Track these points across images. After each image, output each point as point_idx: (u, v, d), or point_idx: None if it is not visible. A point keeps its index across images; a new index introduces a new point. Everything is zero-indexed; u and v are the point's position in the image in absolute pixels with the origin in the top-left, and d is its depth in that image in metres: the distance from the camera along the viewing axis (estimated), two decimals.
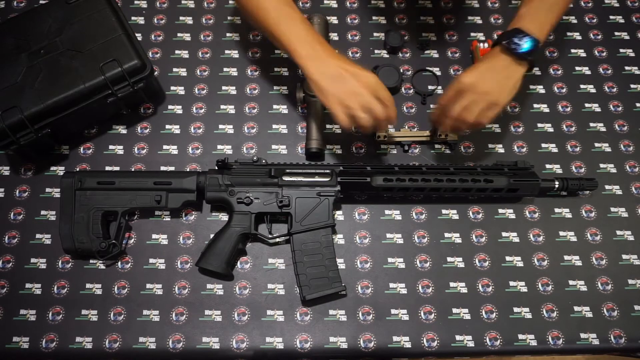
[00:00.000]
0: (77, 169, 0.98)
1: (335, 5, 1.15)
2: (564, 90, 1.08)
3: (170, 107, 1.05)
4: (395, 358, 0.90)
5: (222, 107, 1.05)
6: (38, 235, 0.94)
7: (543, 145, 1.03)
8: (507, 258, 0.94)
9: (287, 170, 0.92)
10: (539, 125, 1.05)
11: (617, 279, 0.93)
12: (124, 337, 0.87)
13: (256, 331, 0.88)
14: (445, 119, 0.89)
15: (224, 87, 1.07)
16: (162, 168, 0.99)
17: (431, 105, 1.06)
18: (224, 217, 0.96)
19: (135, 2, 1.14)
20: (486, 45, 1.06)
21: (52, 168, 0.99)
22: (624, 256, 0.95)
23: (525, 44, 0.84)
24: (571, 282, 0.93)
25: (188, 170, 0.99)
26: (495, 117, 0.87)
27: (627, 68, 1.10)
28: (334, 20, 1.13)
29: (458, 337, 0.88)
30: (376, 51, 1.10)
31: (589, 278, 0.93)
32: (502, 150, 1.02)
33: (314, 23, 1.05)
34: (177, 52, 1.09)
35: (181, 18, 1.13)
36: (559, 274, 0.93)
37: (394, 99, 0.85)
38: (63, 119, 0.91)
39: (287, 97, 1.06)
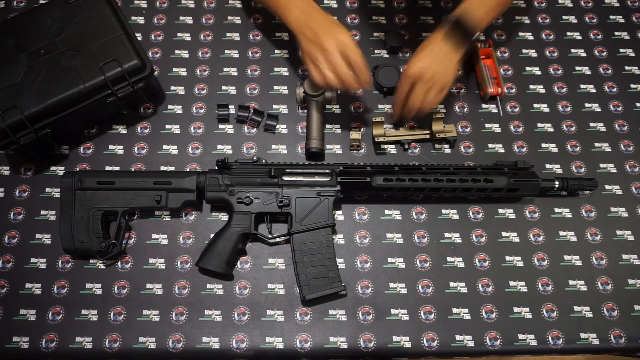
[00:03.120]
0: (77, 169, 0.98)
1: (335, 5, 1.15)
2: (564, 90, 1.08)
3: (170, 107, 1.05)
4: (395, 358, 0.90)
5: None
6: (38, 235, 0.94)
7: (543, 145, 1.03)
8: (507, 258, 0.94)
9: (287, 170, 0.92)
10: (539, 125, 1.05)
11: (617, 279, 0.93)
12: (124, 337, 0.87)
13: (256, 331, 0.88)
14: (406, 112, 0.94)
15: (224, 87, 1.07)
16: (162, 168, 0.99)
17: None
18: (224, 217, 0.96)
19: (135, 2, 1.14)
20: (486, 45, 1.06)
21: (52, 168, 0.99)
22: (624, 256, 0.95)
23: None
24: (571, 282, 0.93)
25: (188, 170, 0.99)
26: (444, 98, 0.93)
27: (627, 68, 1.10)
28: None
29: (458, 337, 0.88)
30: (376, 51, 1.10)
31: (589, 278, 0.93)
32: (502, 150, 1.02)
33: None
34: (177, 52, 1.09)
35: (181, 18, 1.13)
36: (559, 274, 0.93)
37: (366, 62, 0.88)
38: (63, 119, 0.91)
39: (287, 97, 1.06)
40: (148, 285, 0.91)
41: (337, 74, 0.87)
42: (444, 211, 0.97)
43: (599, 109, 1.06)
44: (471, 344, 0.88)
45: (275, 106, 1.05)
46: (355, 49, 0.87)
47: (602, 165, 1.01)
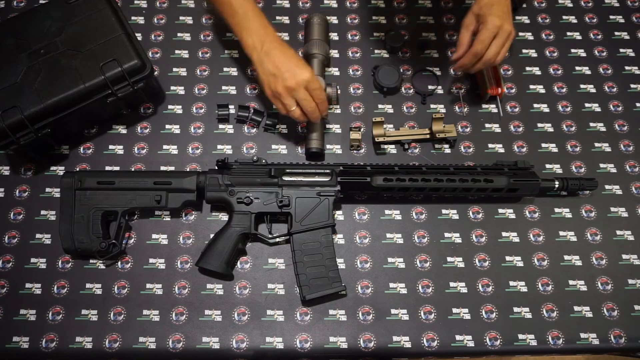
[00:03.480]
0: (77, 169, 0.98)
1: (335, 5, 1.15)
2: (564, 90, 1.08)
3: (170, 107, 1.05)
4: (395, 358, 0.90)
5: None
6: (38, 235, 0.94)
7: (543, 145, 1.03)
8: (507, 258, 0.94)
9: (287, 170, 0.92)
10: (539, 125, 1.05)
11: (617, 279, 0.93)
12: (124, 337, 0.87)
13: (256, 331, 0.88)
14: (478, 63, 0.94)
15: (224, 87, 1.07)
16: (162, 168, 0.99)
17: (431, 105, 1.06)
18: (224, 217, 0.96)
19: (135, 2, 1.14)
20: None
21: (52, 168, 0.99)
22: (624, 256, 0.95)
23: None
24: (571, 282, 0.93)
25: (188, 170, 0.99)
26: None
27: (627, 68, 1.10)
28: (334, 20, 1.13)
29: (458, 337, 0.88)
30: (376, 51, 1.10)
31: (589, 278, 0.93)
32: (502, 150, 1.02)
33: (314, 23, 1.05)
34: (177, 52, 1.09)
35: (181, 18, 1.13)
36: (559, 274, 0.93)
37: (325, 95, 0.93)
38: (63, 119, 0.91)
39: None
40: (148, 285, 0.91)
41: (303, 108, 0.91)
42: (444, 211, 0.97)
43: (599, 109, 1.06)
44: (471, 344, 0.88)
45: (275, 106, 1.05)
46: (319, 86, 0.91)
47: (602, 165, 1.01)
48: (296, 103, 0.91)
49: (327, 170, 0.92)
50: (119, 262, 0.92)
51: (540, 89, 1.08)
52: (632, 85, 1.08)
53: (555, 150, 1.02)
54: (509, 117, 1.05)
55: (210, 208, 0.96)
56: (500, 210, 0.97)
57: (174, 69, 1.08)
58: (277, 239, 0.93)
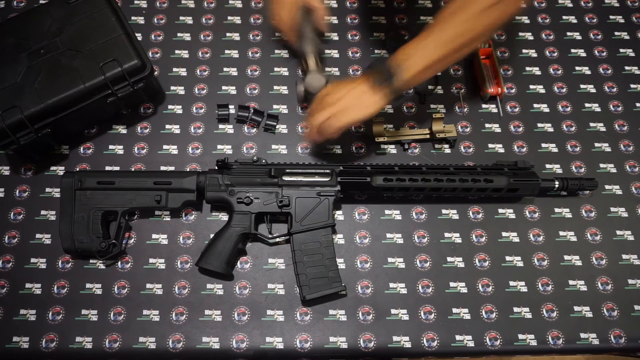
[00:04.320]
0: (77, 169, 0.98)
1: (335, 5, 1.15)
2: (564, 90, 1.08)
3: (170, 107, 1.05)
4: (395, 358, 0.90)
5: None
6: (38, 235, 0.94)
7: (543, 145, 1.03)
8: (507, 258, 0.94)
9: (287, 170, 0.92)
10: (539, 125, 1.05)
11: (617, 279, 0.93)
12: (124, 337, 0.87)
13: (256, 331, 0.88)
14: (314, 133, 0.90)
15: (224, 87, 1.07)
16: (162, 168, 0.99)
17: (431, 105, 1.06)
18: (224, 217, 0.96)
19: (135, 2, 1.14)
20: (486, 45, 1.06)
21: (52, 168, 0.99)
22: (624, 256, 0.95)
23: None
24: (571, 282, 0.93)
25: (188, 170, 0.99)
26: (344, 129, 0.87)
27: (627, 68, 1.10)
28: (334, 20, 1.13)
29: (458, 337, 0.88)
30: (376, 51, 1.10)
31: (589, 278, 0.93)
32: (502, 150, 1.02)
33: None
34: (177, 52, 1.09)
35: (181, 18, 1.13)
36: (559, 274, 0.93)
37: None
38: (63, 119, 0.91)
39: (287, 97, 1.06)
40: (148, 285, 0.91)
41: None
42: (444, 211, 0.97)
43: (599, 109, 1.06)
44: (471, 344, 0.88)
45: (275, 106, 1.05)
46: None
47: (602, 165, 1.01)
48: None
49: (327, 170, 0.92)
50: (119, 262, 0.92)
51: (540, 89, 1.08)
52: (632, 85, 1.08)
53: (555, 150, 1.02)
54: (509, 117, 1.05)
55: (210, 208, 0.96)
56: (500, 210, 0.97)
57: (174, 69, 1.08)
58: (277, 239, 0.93)
